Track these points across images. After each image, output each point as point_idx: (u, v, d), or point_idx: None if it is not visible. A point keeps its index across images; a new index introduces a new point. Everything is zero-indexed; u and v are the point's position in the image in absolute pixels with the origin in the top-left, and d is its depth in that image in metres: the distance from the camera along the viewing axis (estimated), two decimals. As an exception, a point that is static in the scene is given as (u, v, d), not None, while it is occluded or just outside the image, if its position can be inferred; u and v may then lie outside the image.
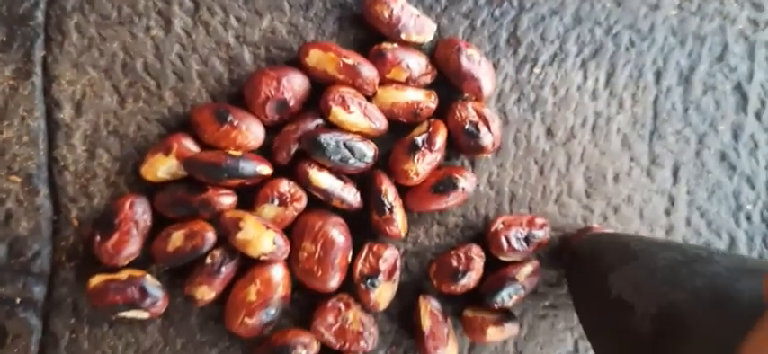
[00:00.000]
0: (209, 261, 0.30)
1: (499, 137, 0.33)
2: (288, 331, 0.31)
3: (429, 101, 0.32)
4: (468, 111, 0.32)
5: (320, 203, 0.31)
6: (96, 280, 0.29)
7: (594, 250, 0.30)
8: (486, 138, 0.32)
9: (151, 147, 0.31)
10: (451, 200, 0.32)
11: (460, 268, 0.31)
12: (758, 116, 0.35)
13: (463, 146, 0.32)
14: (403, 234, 0.32)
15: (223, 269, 0.30)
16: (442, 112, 0.32)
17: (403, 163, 0.31)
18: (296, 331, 0.31)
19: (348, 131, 0.31)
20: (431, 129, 0.31)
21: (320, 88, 0.31)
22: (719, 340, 0.18)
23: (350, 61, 0.30)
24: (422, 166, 0.31)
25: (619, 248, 0.28)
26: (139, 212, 0.30)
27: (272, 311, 0.30)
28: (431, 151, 0.31)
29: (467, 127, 0.31)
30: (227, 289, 0.30)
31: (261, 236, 0.29)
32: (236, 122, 0.30)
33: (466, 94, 0.32)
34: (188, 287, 0.30)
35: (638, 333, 0.22)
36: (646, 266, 0.25)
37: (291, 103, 0.30)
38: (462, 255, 0.32)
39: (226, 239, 0.29)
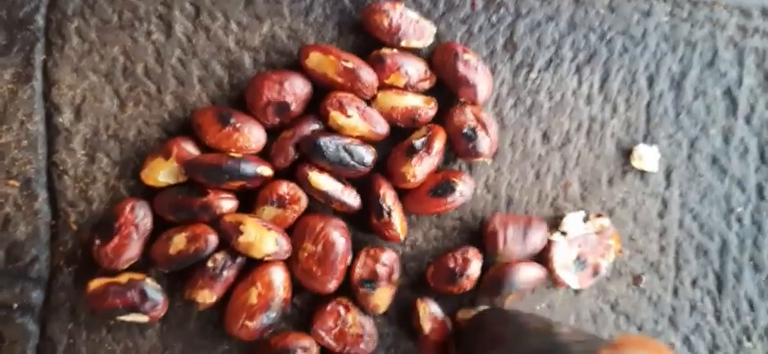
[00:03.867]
0: (210, 264, 0.30)
1: (496, 142, 0.33)
2: (288, 334, 0.31)
3: (428, 108, 0.32)
4: (466, 115, 0.32)
5: (320, 205, 0.31)
6: (96, 284, 0.29)
7: (478, 327, 0.31)
8: (484, 143, 0.32)
9: (151, 152, 0.31)
10: (450, 203, 0.32)
11: (457, 269, 0.32)
12: (748, 120, 0.36)
13: (461, 150, 0.32)
14: (402, 238, 0.32)
15: (225, 272, 0.30)
16: (441, 119, 0.33)
17: (401, 166, 0.31)
18: (296, 334, 0.31)
19: (348, 135, 0.31)
20: (430, 134, 0.32)
21: (321, 93, 0.31)
22: None
23: (349, 65, 0.31)
24: (420, 169, 0.31)
25: (494, 331, 0.29)
26: (140, 216, 0.30)
27: (273, 314, 0.30)
28: (429, 154, 0.31)
29: (465, 130, 0.32)
30: (227, 293, 0.30)
31: (263, 237, 0.29)
32: (238, 125, 0.30)
33: (462, 99, 0.33)
34: (189, 291, 0.30)
35: None
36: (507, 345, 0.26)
37: (293, 107, 0.31)
38: (459, 257, 0.32)
39: (227, 243, 0.30)
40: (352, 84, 0.31)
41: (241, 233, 0.29)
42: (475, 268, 0.32)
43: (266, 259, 0.29)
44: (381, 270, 0.31)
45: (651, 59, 0.35)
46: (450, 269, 0.32)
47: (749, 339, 0.35)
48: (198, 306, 0.30)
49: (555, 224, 0.34)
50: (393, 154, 0.32)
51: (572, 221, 0.34)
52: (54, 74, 0.31)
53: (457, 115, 0.32)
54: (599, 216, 0.35)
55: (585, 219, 0.35)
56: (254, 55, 0.32)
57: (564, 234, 0.34)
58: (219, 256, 0.30)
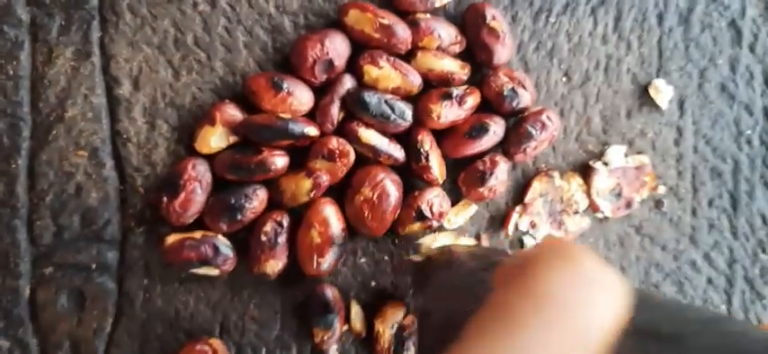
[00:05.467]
0: (263, 238, 0.32)
1: (534, 91, 0.36)
2: None
3: (462, 73, 0.34)
4: (500, 78, 0.35)
5: (368, 160, 0.34)
6: (172, 239, 0.31)
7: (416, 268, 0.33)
8: (525, 97, 0.35)
9: (198, 122, 0.33)
10: (485, 144, 0.34)
11: (486, 171, 0.34)
12: (752, 48, 0.39)
13: (506, 110, 0.35)
14: (441, 180, 0.35)
15: (279, 238, 0.32)
16: (473, 82, 0.35)
17: (431, 103, 0.33)
18: None
19: (385, 88, 0.33)
20: (467, 90, 0.34)
21: (357, 57, 0.33)
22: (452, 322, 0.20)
23: (386, 21, 0.33)
24: (445, 113, 0.33)
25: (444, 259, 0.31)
26: (202, 171, 0.32)
27: (338, 245, 0.33)
28: (460, 106, 0.34)
29: (506, 92, 0.34)
30: (292, 250, 0.33)
31: (298, 183, 0.32)
32: (291, 89, 0.32)
33: (478, 60, 0.35)
34: (257, 267, 0.32)
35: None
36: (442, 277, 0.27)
37: (336, 62, 0.33)
38: (488, 160, 0.35)
39: (277, 205, 0.33)
40: (387, 40, 0.33)
41: (282, 191, 0.32)
42: (502, 170, 0.35)
43: (312, 196, 0.32)
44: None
45: (661, -3, 0.38)
46: (480, 171, 0.34)
47: (764, 251, 0.38)
48: (270, 278, 0.33)
49: (599, 154, 0.37)
50: (428, 93, 0.34)
51: (614, 153, 0.37)
52: (111, 48, 0.33)
53: (493, 80, 0.34)
54: (640, 152, 0.37)
55: (626, 154, 0.37)
56: (294, 18, 0.35)
57: (606, 164, 0.37)
58: (268, 227, 0.32)
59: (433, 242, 0.35)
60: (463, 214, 0.36)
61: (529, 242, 0.37)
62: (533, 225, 0.37)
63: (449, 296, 0.25)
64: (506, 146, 0.35)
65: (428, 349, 0.24)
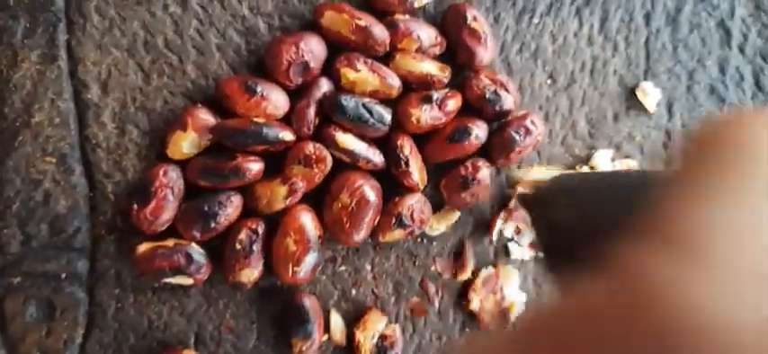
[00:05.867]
0: (238, 246, 0.31)
1: (517, 94, 0.35)
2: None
3: (442, 75, 0.33)
4: (482, 81, 0.34)
5: (345, 165, 0.33)
6: (144, 247, 0.30)
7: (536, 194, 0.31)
8: (508, 100, 0.34)
9: (169, 128, 0.32)
10: (467, 147, 0.34)
11: (469, 175, 0.33)
12: (741, 49, 0.38)
13: (489, 113, 0.34)
14: (421, 186, 0.34)
15: (254, 246, 0.31)
16: (453, 84, 0.34)
17: (410, 107, 0.32)
18: None
19: (363, 92, 0.32)
20: (448, 93, 0.33)
21: (334, 60, 0.32)
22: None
23: (362, 22, 0.32)
24: (425, 117, 0.32)
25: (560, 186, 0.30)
26: (174, 178, 0.31)
27: (315, 252, 0.32)
28: (440, 110, 0.33)
29: (488, 96, 0.33)
30: (267, 260, 0.32)
31: (274, 191, 0.31)
32: (264, 92, 0.31)
33: (458, 62, 0.34)
34: (231, 276, 0.32)
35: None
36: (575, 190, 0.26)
37: (312, 64, 0.32)
38: (469, 165, 0.33)
39: (252, 212, 0.32)
40: (365, 42, 0.32)
41: (257, 198, 0.31)
42: (485, 174, 0.34)
43: (288, 204, 0.31)
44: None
45: (648, -4, 0.37)
46: (462, 177, 0.33)
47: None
48: (246, 287, 0.32)
49: (586, 159, 0.36)
50: (408, 97, 0.33)
51: (601, 157, 0.36)
52: (78, 52, 0.32)
53: (474, 83, 0.33)
54: (627, 156, 0.36)
55: (613, 159, 0.36)
56: (268, 20, 0.34)
57: (592, 169, 0.36)
58: (243, 235, 0.31)
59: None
60: (446, 221, 0.35)
61: (514, 248, 0.36)
62: (518, 232, 0.36)
63: (593, 205, 0.23)
64: (489, 152, 0.34)
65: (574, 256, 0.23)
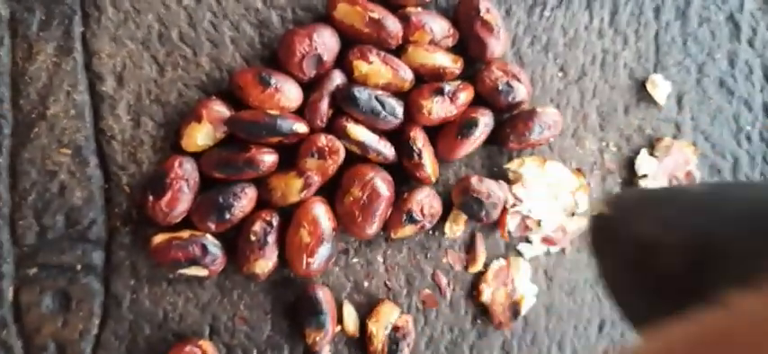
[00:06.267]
0: (253, 238, 0.31)
1: (530, 85, 0.35)
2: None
3: (455, 67, 0.34)
4: (494, 72, 0.34)
5: (357, 158, 0.33)
6: (160, 238, 0.31)
7: (619, 205, 0.27)
8: (521, 91, 0.34)
9: (183, 120, 0.32)
10: (478, 138, 0.34)
11: (483, 200, 0.33)
12: (751, 43, 0.38)
13: (502, 105, 0.34)
14: (434, 179, 0.34)
15: (269, 238, 0.32)
16: (465, 76, 0.34)
17: (422, 99, 0.33)
18: None
19: (375, 84, 0.33)
20: (461, 85, 0.33)
21: (346, 47, 0.32)
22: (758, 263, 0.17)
23: (375, 15, 0.32)
24: (436, 108, 0.33)
25: (644, 198, 0.27)
26: (189, 170, 0.31)
27: (329, 244, 0.32)
28: (451, 102, 0.33)
29: (501, 87, 0.33)
30: (281, 250, 0.32)
31: (289, 183, 0.31)
32: (278, 84, 0.31)
33: (470, 54, 0.34)
34: (246, 267, 0.32)
35: (667, 271, 0.20)
36: (672, 201, 0.23)
37: (325, 57, 0.32)
38: (484, 190, 0.33)
39: (266, 204, 0.32)
40: (377, 34, 0.32)
41: (272, 190, 0.31)
42: (498, 196, 0.34)
43: (302, 197, 0.31)
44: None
45: (658, -11, 0.37)
46: (476, 200, 0.33)
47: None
48: (260, 278, 0.32)
49: (629, 173, 0.36)
50: (420, 89, 0.33)
51: (642, 161, 0.36)
52: (93, 44, 0.32)
53: (487, 75, 0.33)
54: (659, 139, 0.37)
55: (651, 153, 0.36)
56: (281, 13, 0.34)
57: (645, 176, 0.36)
58: (257, 226, 0.31)
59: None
60: (458, 225, 0.35)
61: (525, 248, 0.36)
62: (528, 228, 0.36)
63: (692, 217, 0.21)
64: (503, 139, 0.34)
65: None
